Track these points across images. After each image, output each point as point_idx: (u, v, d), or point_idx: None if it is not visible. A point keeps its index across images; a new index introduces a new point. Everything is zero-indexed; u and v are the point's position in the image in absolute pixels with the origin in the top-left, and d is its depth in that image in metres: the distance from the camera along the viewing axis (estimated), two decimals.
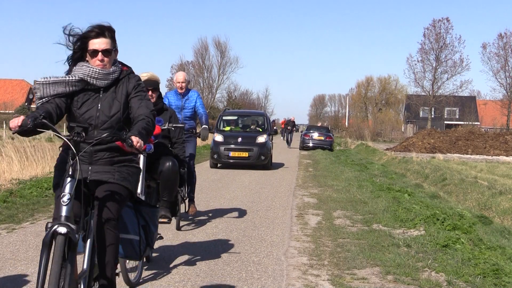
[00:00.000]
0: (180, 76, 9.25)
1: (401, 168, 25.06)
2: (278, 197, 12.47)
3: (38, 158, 14.81)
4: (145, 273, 5.98)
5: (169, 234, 8.07)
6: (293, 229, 8.74)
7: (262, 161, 19.28)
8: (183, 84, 9.13)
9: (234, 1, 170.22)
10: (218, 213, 10.07)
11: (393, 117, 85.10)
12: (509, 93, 73.09)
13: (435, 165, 24.41)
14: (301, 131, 46.85)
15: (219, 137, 19.60)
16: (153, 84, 6.93)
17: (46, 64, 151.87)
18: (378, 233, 8.33)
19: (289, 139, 39.94)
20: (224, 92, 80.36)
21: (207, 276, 5.98)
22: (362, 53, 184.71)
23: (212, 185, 14.19)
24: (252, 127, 21.36)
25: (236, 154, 19.20)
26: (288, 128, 41.14)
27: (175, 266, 6.32)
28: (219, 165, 19.79)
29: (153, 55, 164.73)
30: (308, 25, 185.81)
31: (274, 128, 47.30)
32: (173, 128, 7.05)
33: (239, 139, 19.57)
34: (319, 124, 46.84)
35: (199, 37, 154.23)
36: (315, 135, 36.87)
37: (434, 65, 72.56)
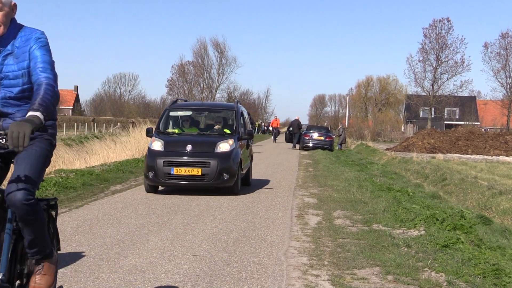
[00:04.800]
0: None
1: (401, 168, 25.06)
2: (278, 197, 12.47)
3: None
4: (146, 273, 5.98)
5: (169, 234, 8.08)
6: (293, 229, 8.74)
7: (225, 181, 12.26)
8: None
9: (234, 1, 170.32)
10: (218, 213, 10.07)
11: (393, 117, 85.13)
12: (509, 93, 73.16)
13: (435, 165, 24.41)
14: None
15: (157, 144, 12.65)
16: None
17: None
18: (378, 233, 8.33)
19: (294, 141, 38.53)
20: (224, 92, 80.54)
21: (207, 276, 5.98)
22: (362, 53, 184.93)
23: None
24: (215, 127, 14.03)
25: (183, 171, 12.17)
26: (300, 129, 40.02)
27: (175, 266, 6.32)
28: (160, 187, 12.94)
29: (153, 55, 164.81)
30: (308, 25, 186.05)
31: (260, 128, 41.01)
32: None
33: (188, 147, 12.42)
34: (339, 126, 43.24)
35: (197, 38, 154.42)
36: (315, 135, 36.84)
37: (434, 65, 72.61)
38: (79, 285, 5.53)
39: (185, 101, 16.33)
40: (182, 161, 12.29)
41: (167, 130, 13.66)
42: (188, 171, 12.20)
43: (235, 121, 13.88)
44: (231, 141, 12.80)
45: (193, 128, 13.98)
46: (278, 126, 49.26)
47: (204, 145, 12.70)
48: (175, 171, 12.19)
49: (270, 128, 53.45)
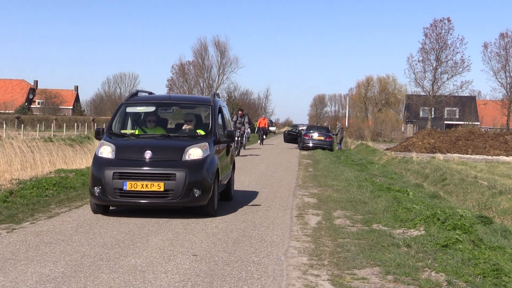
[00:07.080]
0: None
1: (401, 168, 25.05)
2: (278, 197, 12.47)
3: (38, 158, 14.81)
4: (146, 273, 5.98)
5: (169, 234, 8.08)
6: (293, 229, 8.75)
7: (196, 199, 9.37)
8: None
9: (234, 2, 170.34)
10: (218, 213, 10.05)
11: (393, 117, 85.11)
12: (509, 93, 73.13)
13: (435, 165, 24.40)
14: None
15: (106, 150, 9.73)
16: None
17: (46, 64, 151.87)
18: (378, 233, 8.33)
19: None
20: (224, 92, 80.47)
21: (207, 276, 5.98)
22: (362, 53, 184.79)
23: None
24: (185, 127, 10.96)
25: (139, 186, 9.23)
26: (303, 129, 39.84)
27: (175, 266, 6.32)
28: (111, 207, 10.00)
29: (153, 55, 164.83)
30: (308, 25, 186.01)
31: (248, 128, 28.88)
32: None
33: (147, 154, 9.50)
34: (337, 125, 42.34)
35: (198, 37, 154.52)
36: (315, 135, 36.86)
37: (434, 65, 72.58)
38: (79, 285, 5.53)
39: (150, 93, 12.08)
40: (138, 172, 9.33)
41: (123, 131, 10.56)
42: (147, 186, 9.22)
43: (211, 119, 10.71)
44: (203, 146, 9.81)
45: (158, 128, 10.78)
46: (266, 126, 43.56)
47: (169, 150, 9.75)
48: (128, 186, 9.22)
49: (257, 128, 44.38)
